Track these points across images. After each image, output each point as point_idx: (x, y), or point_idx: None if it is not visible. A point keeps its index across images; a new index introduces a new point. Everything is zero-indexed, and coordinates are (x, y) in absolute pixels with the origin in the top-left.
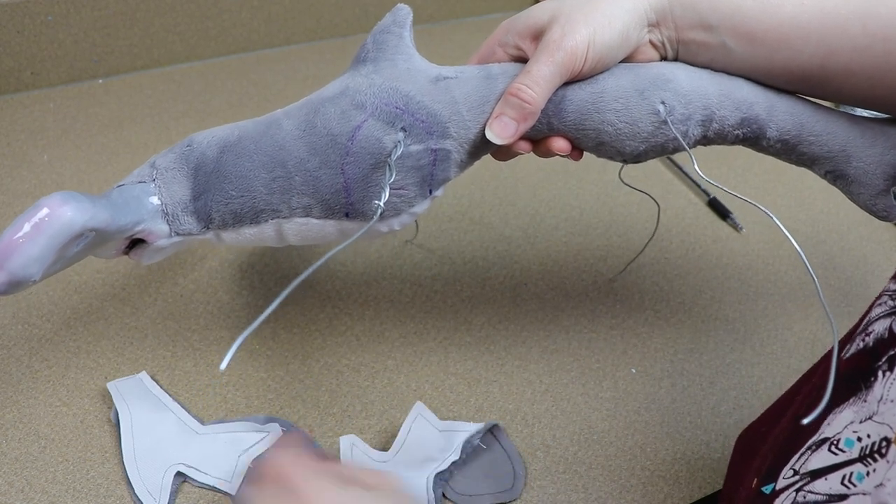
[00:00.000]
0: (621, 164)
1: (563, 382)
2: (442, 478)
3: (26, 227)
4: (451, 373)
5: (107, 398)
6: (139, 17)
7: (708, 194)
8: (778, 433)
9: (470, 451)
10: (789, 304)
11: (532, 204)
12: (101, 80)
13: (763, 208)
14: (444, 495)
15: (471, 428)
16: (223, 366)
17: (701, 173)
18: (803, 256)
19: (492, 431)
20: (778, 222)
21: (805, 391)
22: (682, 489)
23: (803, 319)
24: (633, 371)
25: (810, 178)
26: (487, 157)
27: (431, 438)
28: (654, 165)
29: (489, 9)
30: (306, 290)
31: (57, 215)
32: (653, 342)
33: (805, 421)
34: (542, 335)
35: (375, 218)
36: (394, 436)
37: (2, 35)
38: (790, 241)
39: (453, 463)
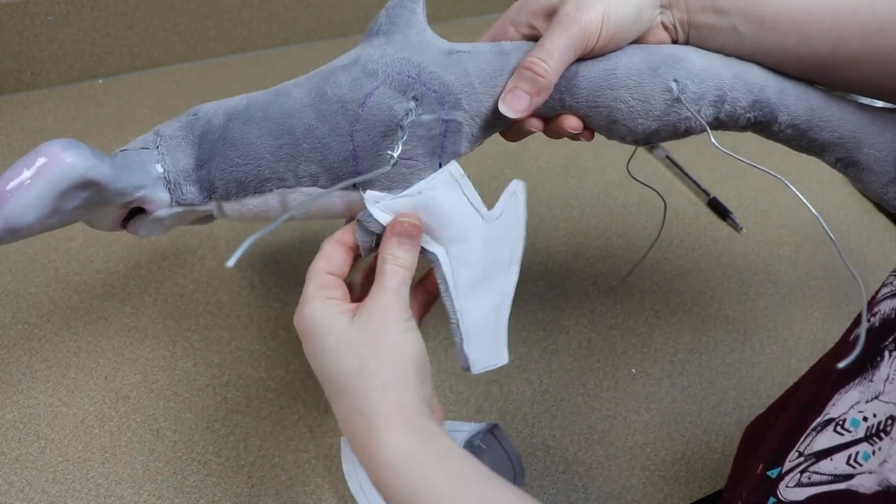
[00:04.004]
0: (628, 158)
1: (563, 382)
2: None
3: (25, 173)
4: (451, 373)
5: (107, 397)
6: (139, 17)
7: (708, 194)
8: (784, 419)
9: (470, 451)
10: (789, 304)
11: (532, 204)
12: (101, 80)
13: (779, 177)
14: None
15: (471, 428)
16: (231, 262)
17: (718, 144)
18: (820, 219)
19: (492, 431)
20: (794, 190)
21: (820, 366)
22: (682, 489)
23: (803, 319)
24: (633, 371)
25: (811, 180)
26: (488, 158)
27: None
28: (654, 165)
29: (489, 9)
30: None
31: (57, 160)
32: (653, 342)
33: (841, 365)
34: (542, 335)
35: (387, 168)
36: None
37: (2, 35)
38: (806, 205)
39: None
